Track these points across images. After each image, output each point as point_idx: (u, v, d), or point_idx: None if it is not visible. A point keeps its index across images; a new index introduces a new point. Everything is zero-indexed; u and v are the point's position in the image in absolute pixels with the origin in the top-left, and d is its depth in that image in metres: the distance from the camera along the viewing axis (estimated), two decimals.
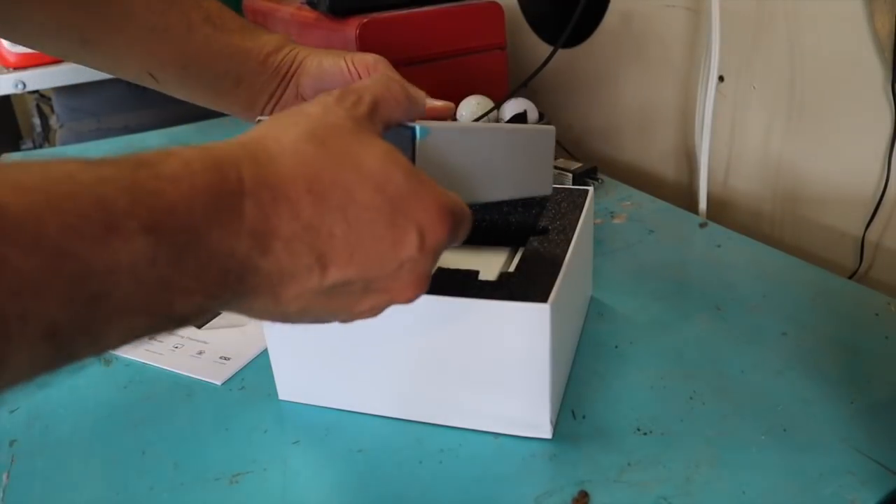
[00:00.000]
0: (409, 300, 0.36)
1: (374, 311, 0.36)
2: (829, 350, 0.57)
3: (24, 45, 0.55)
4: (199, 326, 0.29)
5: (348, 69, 0.58)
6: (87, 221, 0.23)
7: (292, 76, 0.58)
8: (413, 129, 0.38)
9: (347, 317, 0.35)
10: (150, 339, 0.28)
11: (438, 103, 0.51)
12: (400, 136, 0.38)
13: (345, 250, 0.31)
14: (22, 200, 0.22)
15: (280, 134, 0.31)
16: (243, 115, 0.62)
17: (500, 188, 0.46)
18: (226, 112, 0.62)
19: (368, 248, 0.31)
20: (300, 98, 0.59)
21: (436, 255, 0.35)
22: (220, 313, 0.66)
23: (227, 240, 0.27)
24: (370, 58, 0.59)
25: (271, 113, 0.58)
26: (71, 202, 0.23)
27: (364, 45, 0.83)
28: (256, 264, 0.29)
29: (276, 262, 0.29)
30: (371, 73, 0.57)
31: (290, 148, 0.30)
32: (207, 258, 0.27)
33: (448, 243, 0.35)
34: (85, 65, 0.54)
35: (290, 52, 0.58)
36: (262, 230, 0.28)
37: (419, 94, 0.40)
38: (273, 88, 0.58)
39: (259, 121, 0.42)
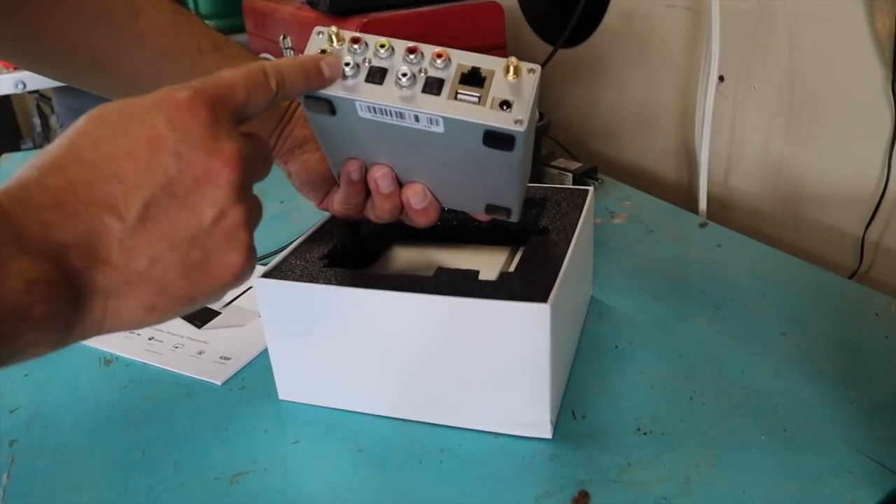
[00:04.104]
0: (229, 178, 0.34)
1: (228, 214, 0.34)
2: (828, 350, 0.57)
3: (33, 71, 0.54)
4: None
5: None
6: None
7: (296, 109, 0.56)
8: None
9: (221, 237, 0.34)
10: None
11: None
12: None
13: (111, 177, 0.31)
14: None
15: None
16: None
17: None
18: None
19: (128, 162, 0.31)
20: (303, 136, 0.55)
21: (202, 129, 0.33)
22: (219, 313, 0.67)
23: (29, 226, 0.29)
24: None
25: (275, 146, 0.56)
26: None
27: None
28: (60, 240, 0.30)
29: (71, 231, 0.30)
30: None
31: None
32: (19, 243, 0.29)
33: (215, 115, 0.34)
34: (93, 89, 0.54)
35: None
36: (49, 200, 0.30)
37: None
38: (280, 117, 0.56)
39: None
